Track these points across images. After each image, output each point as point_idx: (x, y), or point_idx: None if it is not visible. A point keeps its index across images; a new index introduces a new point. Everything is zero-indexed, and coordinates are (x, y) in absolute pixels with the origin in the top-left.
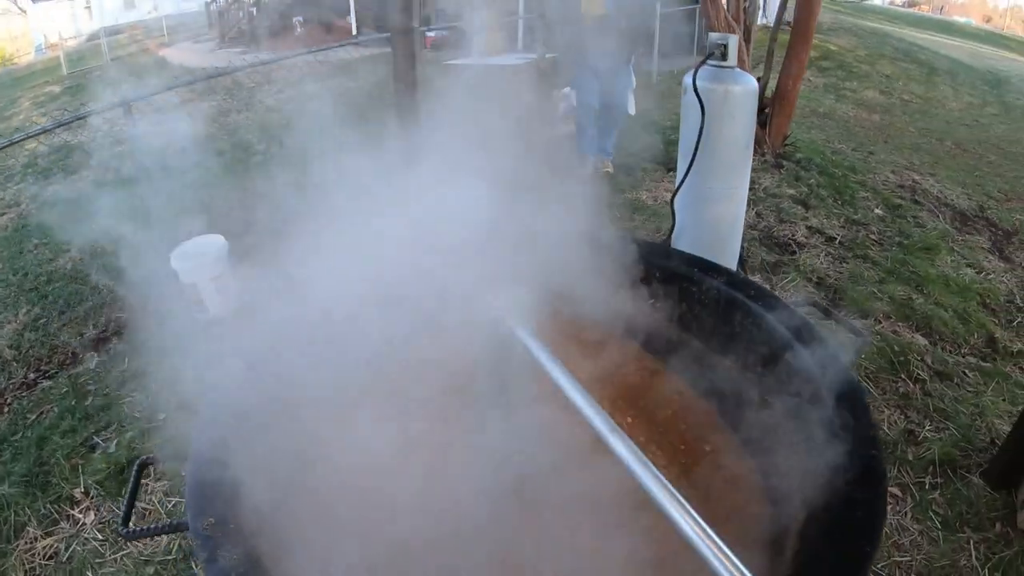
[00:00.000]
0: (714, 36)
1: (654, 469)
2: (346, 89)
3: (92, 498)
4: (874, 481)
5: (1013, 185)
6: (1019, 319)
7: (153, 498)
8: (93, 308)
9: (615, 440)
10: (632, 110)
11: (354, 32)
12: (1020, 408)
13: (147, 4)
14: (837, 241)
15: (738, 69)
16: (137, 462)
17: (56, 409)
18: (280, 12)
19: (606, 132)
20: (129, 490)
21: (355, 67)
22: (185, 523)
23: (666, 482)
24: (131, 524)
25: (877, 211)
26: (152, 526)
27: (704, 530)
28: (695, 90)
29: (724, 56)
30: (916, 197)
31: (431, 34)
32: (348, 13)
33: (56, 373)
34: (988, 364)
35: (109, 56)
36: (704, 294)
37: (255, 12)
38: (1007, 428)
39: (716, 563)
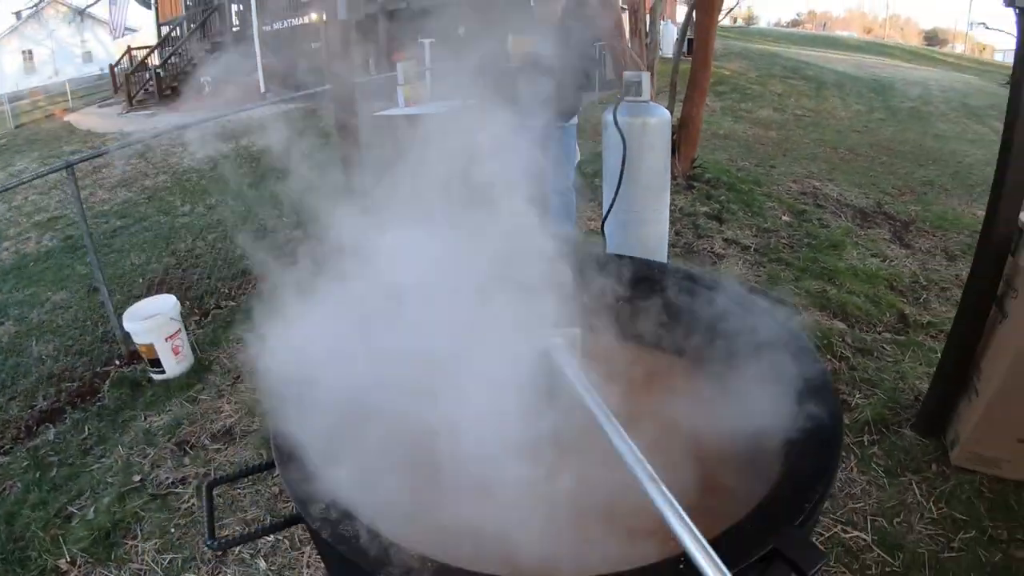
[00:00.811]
0: (628, 75)
1: (692, 526)
2: (262, 147)
3: (79, 566)
4: (829, 400)
5: (906, 180)
6: (924, 296)
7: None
8: (39, 379)
9: (652, 488)
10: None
11: (262, 90)
12: (934, 368)
13: (48, 68)
14: (752, 249)
15: (652, 102)
16: (206, 483)
17: (20, 484)
18: (187, 73)
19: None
20: (206, 508)
21: (268, 125)
22: (293, 517)
23: (709, 549)
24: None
25: (784, 218)
26: (250, 531)
27: None
28: (616, 124)
29: (639, 92)
30: (818, 201)
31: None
32: (256, 71)
33: (11, 448)
34: (902, 337)
35: (13, 123)
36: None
37: (161, 74)
38: (926, 386)
39: None
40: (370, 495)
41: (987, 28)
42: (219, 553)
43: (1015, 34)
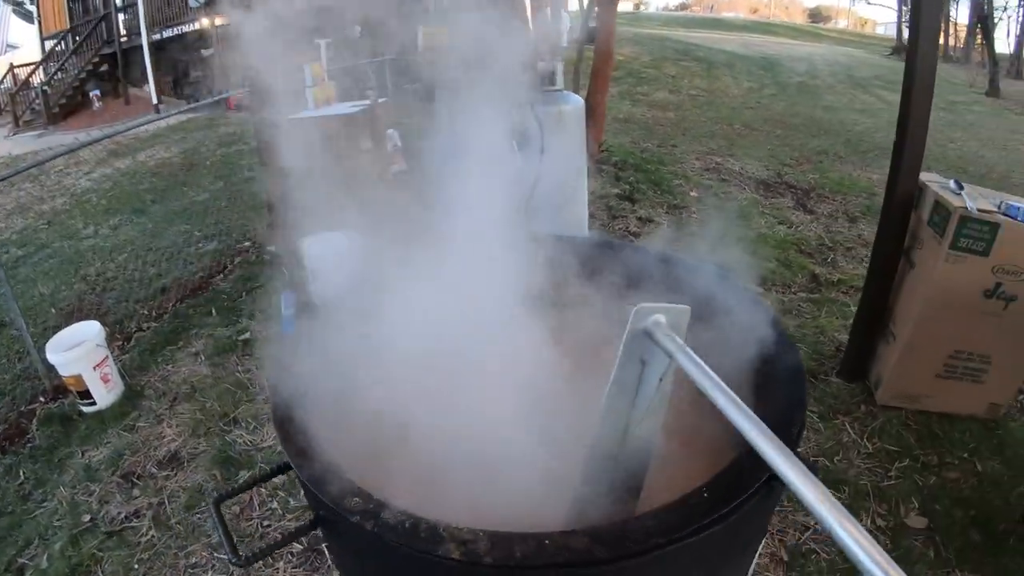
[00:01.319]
0: (543, 65)
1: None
2: (161, 160)
3: None
4: (784, 339)
5: (801, 151)
6: (831, 256)
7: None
8: None
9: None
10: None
11: (154, 101)
12: (850, 321)
13: None
14: (665, 225)
15: (566, 91)
16: (213, 500)
17: None
18: (75, 88)
19: None
20: (220, 527)
21: (166, 137)
22: (304, 526)
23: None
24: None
25: (693, 194)
26: (270, 544)
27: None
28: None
29: (553, 81)
30: (722, 176)
31: (234, 94)
32: (147, 83)
33: None
34: (816, 295)
35: None
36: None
37: (48, 91)
38: (845, 337)
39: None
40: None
41: (868, 3)
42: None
43: (895, 8)
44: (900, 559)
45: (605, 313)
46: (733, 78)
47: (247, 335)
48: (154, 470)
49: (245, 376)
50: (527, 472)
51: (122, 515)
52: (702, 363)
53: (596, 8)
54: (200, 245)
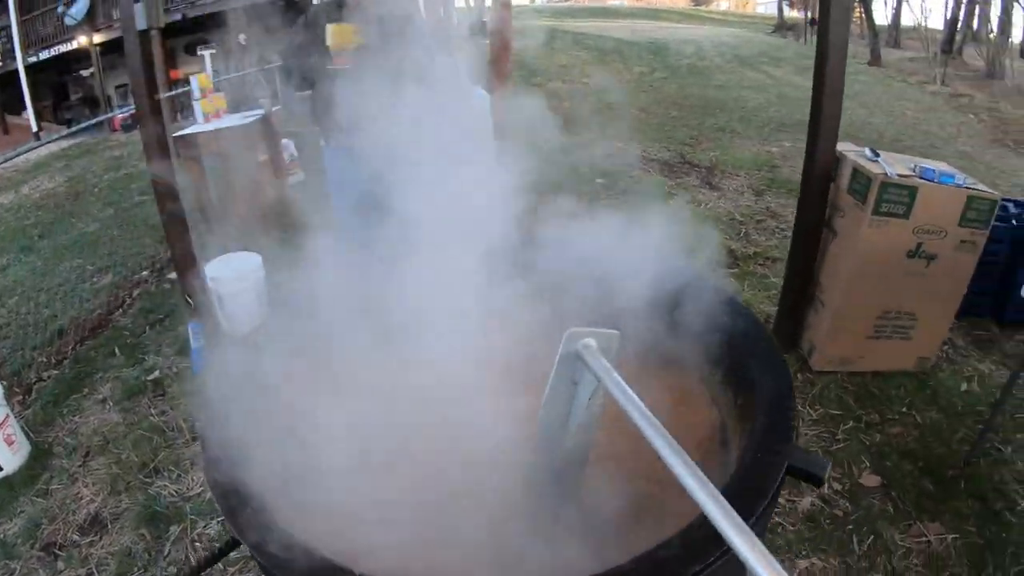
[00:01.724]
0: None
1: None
2: (46, 192)
3: None
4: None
5: (698, 130)
6: (743, 230)
7: None
8: None
9: (692, 480)
10: None
11: (34, 129)
12: (773, 292)
13: None
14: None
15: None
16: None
17: None
18: None
19: None
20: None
21: (47, 166)
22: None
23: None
24: None
25: (599, 180)
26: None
27: None
28: None
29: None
30: (626, 161)
31: (119, 115)
32: (25, 109)
33: None
34: (736, 270)
35: None
36: None
37: None
38: (772, 308)
39: None
40: None
41: None
42: None
43: None
44: (863, 519)
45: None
46: (624, 64)
47: (156, 374)
48: (76, 537)
49: (160, 420)
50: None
51: None
52: (627, 387)
53: (487, 2)
54: (95, 280)
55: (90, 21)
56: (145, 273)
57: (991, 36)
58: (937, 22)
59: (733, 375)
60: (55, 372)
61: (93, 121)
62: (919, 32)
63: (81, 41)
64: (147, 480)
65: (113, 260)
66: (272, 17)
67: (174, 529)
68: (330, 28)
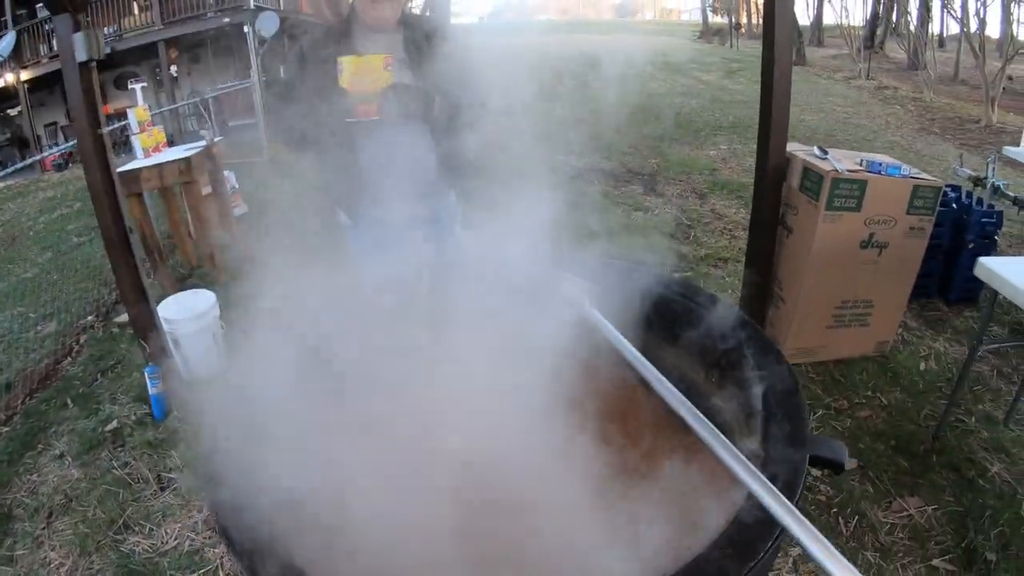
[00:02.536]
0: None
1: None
2: None
3: None
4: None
5: (638, 139)
6: (692, 233)
7: None
8: None
9: (687, 412)
10: None
11: None
12: (729, 291)
13: None
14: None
15: None
16: None
17: None
18: None
19: None
20: None
21: None
22: None
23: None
24: None
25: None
26: None
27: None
28: None
29: None
30: (569, 174)
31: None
32: None
33: None
34: (689, 273)
35: None
36: None
37: None
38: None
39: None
40: None
41: None
42: None
43: None
44: (846, 501)
45: None
46: (557, 78)
47: (114, 423)
48: None
49: (123, 472)
50: None
51: None
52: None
53: None
54: (39, 328)
55: (16, 58)
56: (91, 318)
57: (911, 29)
58: (859, 19)
59: (736, 374)
60: (6, 429)
61: (27, 162)
62: (841, 29)
63: (7, 79)
64: (118, 537)
65: (56, 306)
66: (206, 47)
67: None
68: (345, 62)
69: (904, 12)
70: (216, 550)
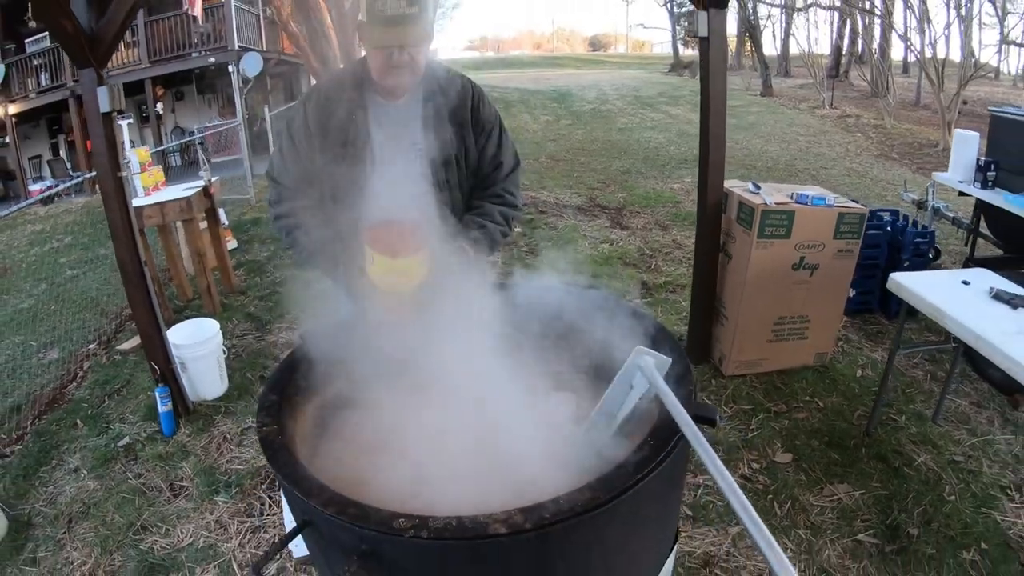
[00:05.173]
0: None
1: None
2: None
3: None
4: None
5: (605, 174)
6: (653, 263)
7: None
8: None
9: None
10: None
11: None
12: (684, 314)
13: None
14: (500, 262)
15: None
16: (253, 566)
17: None
18: None
19: None
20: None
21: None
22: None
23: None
24: None
25: (517, 229)
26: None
27: None
28: None
29: None
30: (540, 208)
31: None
32: None
33: None
34: (649, 299)
35: None
36: None
37: None
38: (685, 328)
39: None
40: None
41: (644, 28)
42: None
43: (669, 28)
44: (780, 488)
45: None
46: (530, 113)
47: (126, 440)
48: None
49: (138, 482)
50: None
51: None
52: (670, 391)
53: None
54: (41, 355)
55: (4, 91)
56: (93, 346)
57: (874, 58)
58: (826, 47)
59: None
60: (18, 447)
61: (18, 206)
62: (805, 59)
63: None
64: (137, 537)
65: (56, 335)
66: (191, 84)
67: None
68: (377, 259)
69: (869, 43)
70: (229, 544)
